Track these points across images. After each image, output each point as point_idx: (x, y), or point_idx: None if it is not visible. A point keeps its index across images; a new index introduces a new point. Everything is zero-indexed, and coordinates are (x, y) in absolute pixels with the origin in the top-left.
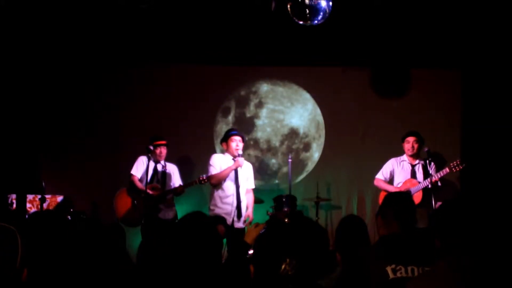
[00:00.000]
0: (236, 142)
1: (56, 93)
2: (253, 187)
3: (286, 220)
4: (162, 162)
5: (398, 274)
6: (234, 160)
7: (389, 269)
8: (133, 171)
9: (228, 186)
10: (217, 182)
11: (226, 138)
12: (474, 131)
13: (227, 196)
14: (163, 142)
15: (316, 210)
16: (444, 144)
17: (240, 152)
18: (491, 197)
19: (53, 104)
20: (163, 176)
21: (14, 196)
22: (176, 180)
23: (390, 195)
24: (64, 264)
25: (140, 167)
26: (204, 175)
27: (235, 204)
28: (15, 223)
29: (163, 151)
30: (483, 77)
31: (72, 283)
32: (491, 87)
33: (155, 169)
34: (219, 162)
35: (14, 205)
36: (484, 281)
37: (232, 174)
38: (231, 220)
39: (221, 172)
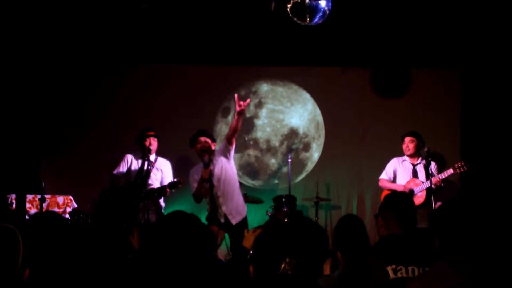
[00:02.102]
0: (201, 144)
1: (56, 94)
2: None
3: (285, 220)
4: (153, 157)
5: (399, 275)
6: (203, 170)
7: (389, 269)
8: (115, 171)
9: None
10: (199, 200)
11: (193, 142)
12: (474, 131)
13: (209, 199)
14: (152, 132)
15: (316, 210)
16: (444, 144)
17: (207, 159)
18: (491, 197)
19: (53, 104)
20: (150, 174)
21: (14, 196)
22: (167, 178)
23: (391, 195)
24: (66, 264)
25: (123, 166)
26: (175, 178)
27: (213, 204)
28: (14, 223)
29: (153, 142)
30: (483, 77)
31: (74, 282)
32: (491, 87)
33: (142, 166)
34: (194, 178)
35: (14, 205)
36: (484, 281)
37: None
38: (223, 219)
39: (195, 190)
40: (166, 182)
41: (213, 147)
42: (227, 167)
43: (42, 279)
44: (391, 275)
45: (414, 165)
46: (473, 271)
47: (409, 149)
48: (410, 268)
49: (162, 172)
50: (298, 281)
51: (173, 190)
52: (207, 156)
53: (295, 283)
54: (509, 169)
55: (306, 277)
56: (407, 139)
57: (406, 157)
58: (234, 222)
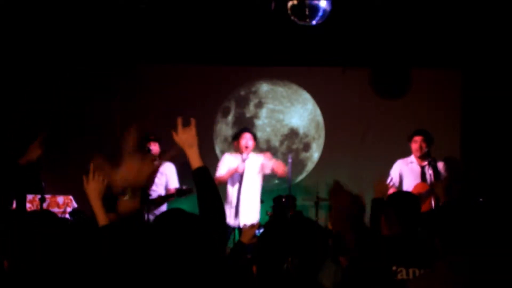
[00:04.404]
0: (246, 140)
1: (56, 93)
2: (176, 186)
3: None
4: (157, 161)
5: (399, 276)
6: (240, 162)
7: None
8: None
9: (229, 187)
10: (217, 184)
11: (237, 136)
12: (474, 131)
13: (228, 197)
14: (152, 137)
15: (316, 210)
16: (444, 144)
17: (246, 154)
18: (491, 197)
19: (53, 104)
20: (153, 179)
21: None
22: (172, 182)
23: (394, 195)
24: (47, 258)
25: None
26: (184, 186)
27: (234, 204)
28: (14, 223)
29: (153, 147)
30: (483, 77)
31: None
32: (491, 87)
33: None
34: (227, 163)
35: (14, 205)
36: (484, 282)
37: (237, 175)
38: (232, 220)
39: (221, 176)
40: (170, 186)
41: (254, 146)
42: (259, 176)
43: (22, 271)
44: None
45: (422, 167)
46: (473, 272)
47: (422, 150)
48: (411, 270)
49: (166, 176)
50: (300, 280)
51: (182, 197)
52: (247, 152)
53: (298, 282)
54: (509, 169)
55: (308, 276)
56: (419, 138)
57: (413, 159)
58: (242, 224)
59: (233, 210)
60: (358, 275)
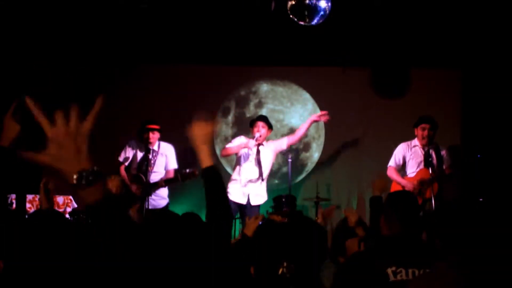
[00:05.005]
0: (258, 128)
1: (56, 93)
2: (175, 167)
3: (285, 220)
4: (156, 146)
5: (399, 277)
6: (251, 140)
7: (389, 271)
8: (120, 158)
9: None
10: (223, 155)
11: (251, 124)
12: (474, 131)
13: (239, 176)
14: (153, 126)
15: (316, 210)
16: (444, 144)
17: (257, 138)
18: (491, 197)
19: (53, 103)
20: (154, 162)
21: (14, 196)
22: (171, 163)
23: (393, 195)
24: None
25: (128, 153)
26: (188, 169)
27: (243, 183)
28: (15, 223)
29: (151, 135)
30: (483, 77)
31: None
32: (491, 87)
33: (145, 155)
34: (238, 141)
35: (14, 205)
36: (484, 281)
37: (253, 158)
38: (245, 199)
39: (230, 147)
40: (169, 167)
41: (268, 134)
42: (273, 157)
43: (17, 272)
44: (391, 277)
45: (425, 151)
46: (473, 272)
47: (429, 136)
48: (410, 271)
49: (166, 157)
50: (297, 282)
51: (186, 181)
52: (260, 140)
53: (295, 284)
54: (509, 169)
55: (305, 278)
56: (427, 126)
57: (416, 142)
58: (254, 202)
59: (242, 189)
60: (355, 276)
